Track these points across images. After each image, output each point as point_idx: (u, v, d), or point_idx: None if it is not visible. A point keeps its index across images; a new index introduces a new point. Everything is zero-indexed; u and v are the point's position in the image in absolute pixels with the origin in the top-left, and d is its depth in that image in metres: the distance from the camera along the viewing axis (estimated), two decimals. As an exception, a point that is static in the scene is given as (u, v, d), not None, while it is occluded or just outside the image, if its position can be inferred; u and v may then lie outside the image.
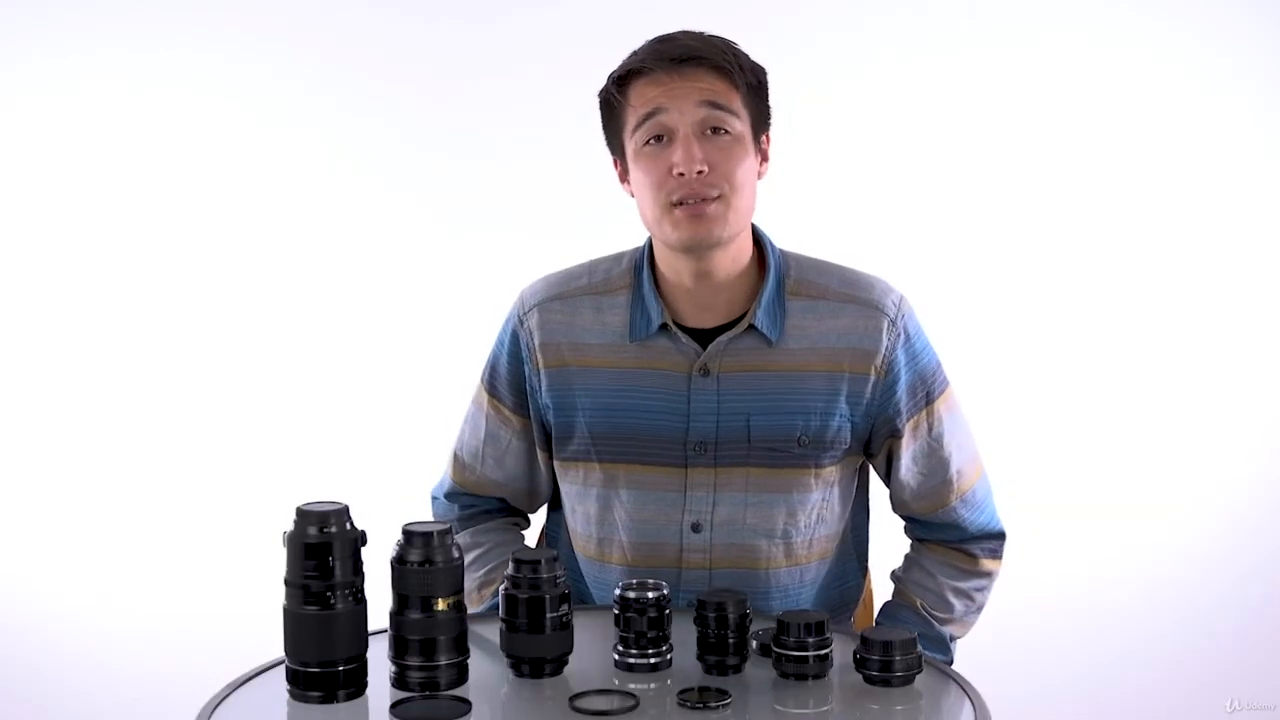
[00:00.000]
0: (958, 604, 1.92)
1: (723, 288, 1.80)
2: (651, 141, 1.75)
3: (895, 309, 1.84)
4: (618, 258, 1.89)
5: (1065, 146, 3.39)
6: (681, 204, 1.73)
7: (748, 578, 1.82)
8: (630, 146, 1.77)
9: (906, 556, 1.97)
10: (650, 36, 1.79)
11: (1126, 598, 3.36)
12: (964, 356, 3.16)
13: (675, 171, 1.72)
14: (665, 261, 1.82)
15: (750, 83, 1.77)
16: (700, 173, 1.71)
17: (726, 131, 1.74)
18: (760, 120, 1.80)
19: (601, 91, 1.81)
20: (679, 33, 1.78)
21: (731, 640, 1.56)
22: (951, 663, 1.91)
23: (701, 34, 1.78)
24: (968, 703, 1.51)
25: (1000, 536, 1.95)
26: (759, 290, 1.81)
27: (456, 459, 1.98)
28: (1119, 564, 3.38)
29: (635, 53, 1.78)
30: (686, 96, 1.73)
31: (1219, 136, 3.40)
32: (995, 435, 3.09)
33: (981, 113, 3.37)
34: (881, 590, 2.11)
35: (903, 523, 1.99)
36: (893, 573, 1.97)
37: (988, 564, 1.93)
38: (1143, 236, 3.42)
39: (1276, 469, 3.45)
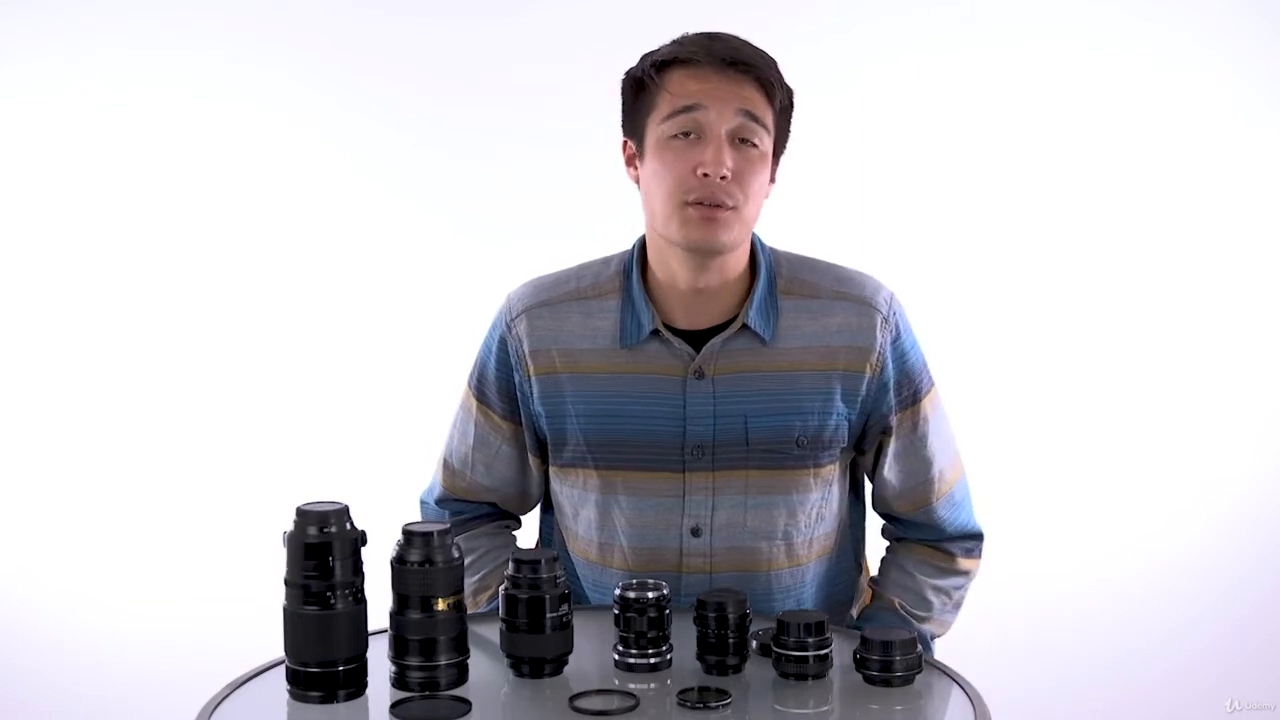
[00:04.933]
0: (936, 601, 1.91)
1: (717, 292, 1.80)
2: (680, 135, 1.73)
3: (887, 306, 1.84)
4: (606, 261, 1.88)
5: (1065, 147, 3.39)
6: (696, 204, 1.72)
7: (749, 580, 1.82)
8: (654, 133, 1.75)
9: (883, 559, 1.97)
10: (654, 36, 1.78)
11: (1127, 597, 3.36)
12: (964, 356, 3.19)
13: (700, 172, 1.70)
14: (660, 262, 1.81)
15: (783, 103, 1.77)
16: (723, 178, 1.71)
17: (754, 145, 1.74)
18: (781, 142, 1.80)
19: (635, 70, 1.78)
20: (726, 34, 1.76)
21: (731, 640, 1.56)
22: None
23: (747, 42, 1.76)
24: (968, 703, 1.51)
25: (978, 537, 1.95)
26: (750, 290, 1.81)
27: (446, 465, 1.97)
28: (1118, 564, 3.38)
29: (680, 42, 1.76)
30: (728, 101, 1.71)
31: (1219, 137, 3.40)
32: (995, 436, 3.11)
33: (981, 113, 3.36)
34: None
35: (881, 523, 2.00)
36: (870, 578, 1.97)
37: (965, 563, 1.94)
38: (1142, 237, 3.42)
39: (1276, 469, 3.45)
